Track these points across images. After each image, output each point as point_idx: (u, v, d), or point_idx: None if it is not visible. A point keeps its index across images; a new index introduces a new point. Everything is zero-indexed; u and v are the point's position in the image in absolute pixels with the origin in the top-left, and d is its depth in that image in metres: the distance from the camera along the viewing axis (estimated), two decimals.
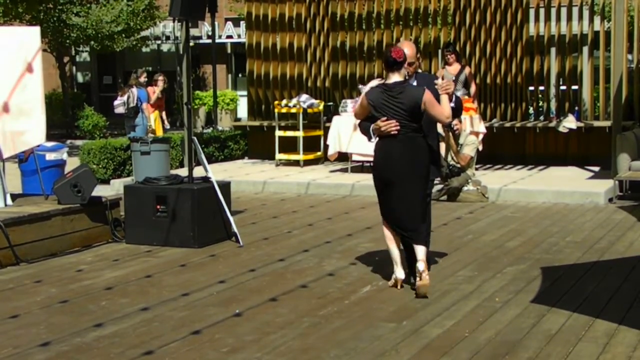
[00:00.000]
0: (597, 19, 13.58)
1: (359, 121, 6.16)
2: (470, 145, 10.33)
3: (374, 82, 6.08)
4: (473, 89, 12.36)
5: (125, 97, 13.66)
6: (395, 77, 5.85)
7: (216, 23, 24.31)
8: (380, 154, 5.95)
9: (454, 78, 12.26)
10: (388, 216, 6.04)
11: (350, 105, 12.68)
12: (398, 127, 5.80)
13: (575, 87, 13.75)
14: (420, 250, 5.87)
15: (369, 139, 5.97)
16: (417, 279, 5.77)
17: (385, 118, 5.81)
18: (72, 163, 10.36)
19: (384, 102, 5.83)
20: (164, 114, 14.83)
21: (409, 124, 5.83)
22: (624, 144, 10.63)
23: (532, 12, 13.56)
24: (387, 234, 6.07)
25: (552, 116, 14.07)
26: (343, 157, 12.77)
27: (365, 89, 6.09)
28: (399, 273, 6.04)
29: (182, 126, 16.32)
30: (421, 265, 5.76)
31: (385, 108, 5.83)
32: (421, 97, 5.80)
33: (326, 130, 13.19)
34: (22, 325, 5.25)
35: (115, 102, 14.02)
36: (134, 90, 13.56)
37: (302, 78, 15.06)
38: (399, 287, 6.00)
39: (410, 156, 5.87)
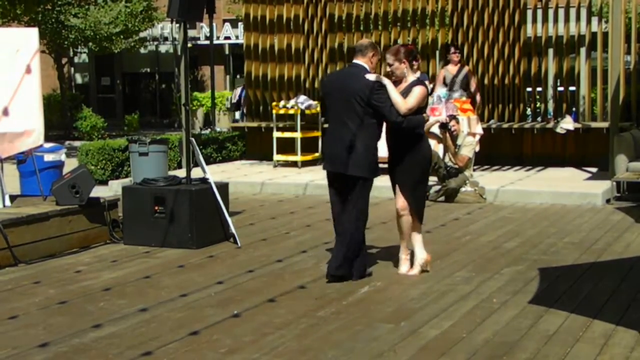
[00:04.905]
0: (594, 20, 13.59)
1: (411, 114, 6.19)
2: (468, 147, 10.34)
3: (374, 77, 6.14)
4: (473, 86, 12.26)
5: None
6: None
7: (214, 24, 24.22)
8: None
9: (453, 77, 12.24)
10: None
11: None
12: None
13: (572, 88, 13.77)
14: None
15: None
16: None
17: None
18: (71, 164, 10.36)
19: None
20: None
21: None
22: (621, 145, 10.64)
23: (529, 13, 13.58)
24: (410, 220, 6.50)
25: (550, 117, 14.06)
26: None
27: (385, 80, 6.14)
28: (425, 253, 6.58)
29: (180, 127, 16.35)
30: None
31: None
32: None
33: (324, 131, 13.19)
34: (21, 326, 5.26)
35: None
36: (238, 89, 14.59)
37: (300, 79, 15.06)
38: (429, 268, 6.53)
39: None
